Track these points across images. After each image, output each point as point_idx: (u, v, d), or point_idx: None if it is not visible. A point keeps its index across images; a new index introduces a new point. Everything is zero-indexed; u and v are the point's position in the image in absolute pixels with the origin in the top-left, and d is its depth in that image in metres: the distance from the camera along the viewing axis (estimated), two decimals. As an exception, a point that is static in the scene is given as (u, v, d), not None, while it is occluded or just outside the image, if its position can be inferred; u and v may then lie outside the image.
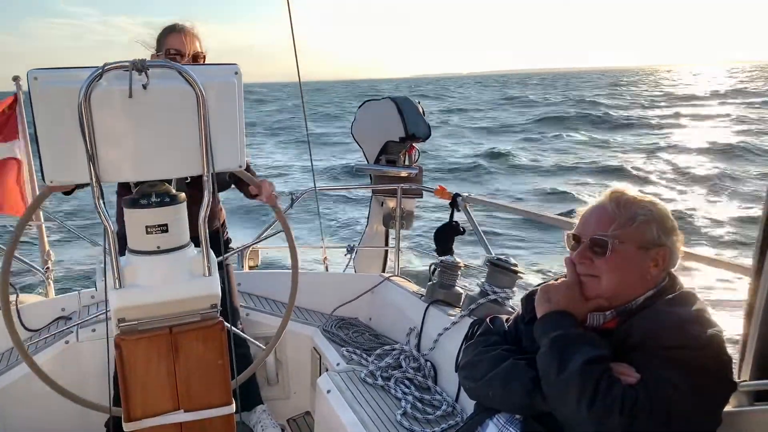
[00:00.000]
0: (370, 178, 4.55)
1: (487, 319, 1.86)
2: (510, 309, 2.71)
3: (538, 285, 1.67)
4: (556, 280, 1.64)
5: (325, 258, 4.51)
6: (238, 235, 4.19)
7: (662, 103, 52.73)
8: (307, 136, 4.36)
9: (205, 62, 2.57)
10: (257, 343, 2.30)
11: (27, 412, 2.82)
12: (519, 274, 2.79)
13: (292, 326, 3.35)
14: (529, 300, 1.69)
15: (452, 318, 2.81)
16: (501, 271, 2.74)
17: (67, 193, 2.06)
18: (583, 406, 1.34)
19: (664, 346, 1.38)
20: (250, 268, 4.44)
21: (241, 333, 2.59)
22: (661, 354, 1.37)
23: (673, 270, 1.59)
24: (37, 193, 4.17)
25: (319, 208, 4.43)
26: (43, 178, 1.58)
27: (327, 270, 4.49)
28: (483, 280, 2.81)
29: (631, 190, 1.61)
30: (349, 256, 4.58)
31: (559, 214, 3.24)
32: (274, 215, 2.14)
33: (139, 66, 1.48)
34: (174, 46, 2.50)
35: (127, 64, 1.48)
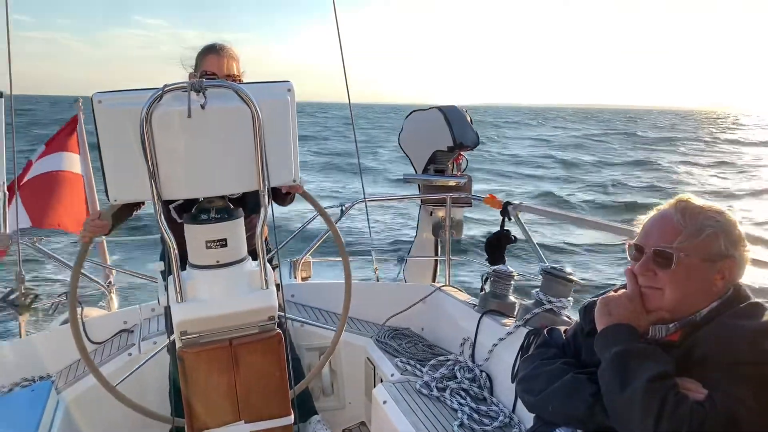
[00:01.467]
0: (419, 188, 4.55)
1: (545, 331, 1.82)
2: (566, 319, 2.66)
3: (597, 296, 1.63)
4: (615, 291, 1.60)
5: (376, 268, 4.53)
6: (286, 249, 4.24)
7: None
8: (355, 143, 4.39)
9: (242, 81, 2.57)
10: None
11: (93, 421, 2.91)
12: (574, 284, 2.74)
13: (346, 336, 3.37)
14: (587, 311, 1.65)
15: (507, 328, 2.78)
16: (556, 280, 2.70)
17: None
18: (649, 425, 1.30)
19: (734, 361, 1.32)
20: (303, 279, 4.49)
21: None
22: (731, 369, 1.31)
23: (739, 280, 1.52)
24: (99, 209, 4.33)
25: (369, 219, 4.45)
26: (107, 197, 1.64)
27: (378, 280, 4.50)
28: (537, 289, 2.77)
29: (697, 198, 1.54)
30: (399, 266, 4.59)
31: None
32: (326, 226, 2.16)
33: (197, 87, 1.53)
34: (210, 68, 2.49)
35: (185, 85, 1.52)
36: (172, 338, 2.24)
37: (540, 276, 2.79)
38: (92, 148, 4.36)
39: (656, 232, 1.51)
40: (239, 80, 2.58)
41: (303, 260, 4.56)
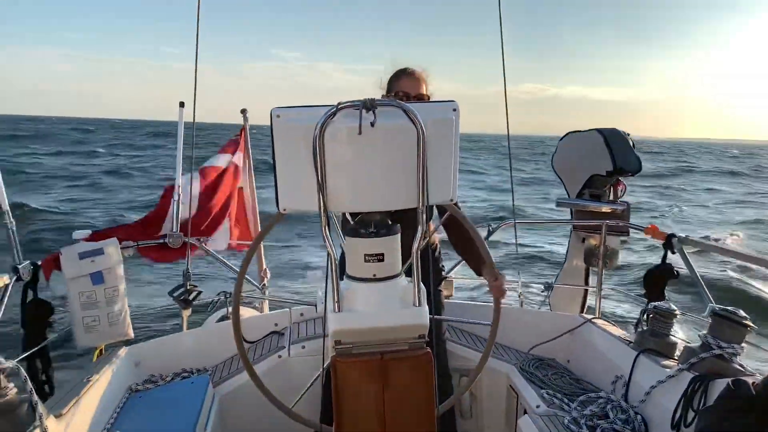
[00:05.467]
0: (571, 213, 4.38)
1: (730, 381, 1.65)
2: (737, 367, 2.40)
3: None
4: None
5: (521, 293, 4.40)
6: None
7: None
8: (509, 159, 4.30)
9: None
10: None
11: (244, 417, 3.08)
12: (750, 329, 2.47)
13: (489, 361, 3.29)
14: None
15: (668, 371, 2.56)
16: (728, 323, 2.44)
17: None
18: None
19: None
20: (444, 298, 4.47)
21: None
22: None
23: None
24: (259, 221, 4.61)
25: (517, 241, 4.33)
26: (277, 206, 1.72)
27: (522, 306, 4.37)
28: (705, 332, 2.53)
29: None
30: (545, 293, 4.43)
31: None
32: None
33: (369, 105, 1.57)
34: (404, 89, 2.67)
35: (358, 103, 1.57)
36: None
37: (708, 318, 2.55)
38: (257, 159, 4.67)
39: None
40: (427, 98, 2.68)
41: (446, 278, 4.54)
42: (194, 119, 3.89)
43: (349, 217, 1.75)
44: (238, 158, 4.69)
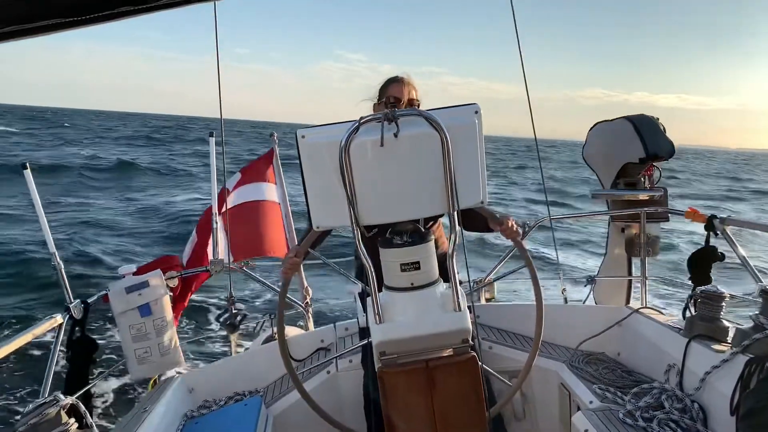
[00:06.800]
0: (607, 204, 4.31)
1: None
2: (793, 346, 2.33)
3: None
4: None
5: (564, 289, 4.36)
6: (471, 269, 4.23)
7: None
8: (537, 151, 4.27)
9: (420, 107, 2.72)
10: (502, 378, 2.27)
11: None
12: None
13: (537, 360, 3.26)
14: None
15: (721, 355, 2.50)
16: (780, 302, 2.38)
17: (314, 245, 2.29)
18: None
19: None
20: (487, 300, 4.44)
21: (487, 368, 2.58)
22: None
23: None
24: (295, 236, 4.66)
25: (554, 237, 4.29)
26: (310, 224, 1.75)
27: (566, 302, 4.32)
28: (756, 312, 2.47)
29: None
30: (588, 287, 4.37)
31: None
32: (513, 244, 2.12)
33: (391, 117, 1.59)
34: (393, 94, 2.74)
35: (379, 116, 1.59)
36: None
37: (759, 298, 2.49)
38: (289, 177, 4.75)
39: None
40: (418, 104, 2.73)
41: (486, 280, 4.51)
42: (222, 136, 3.96)
43: (363, 230, 1.76)
44: (272, 189, 4.78)
